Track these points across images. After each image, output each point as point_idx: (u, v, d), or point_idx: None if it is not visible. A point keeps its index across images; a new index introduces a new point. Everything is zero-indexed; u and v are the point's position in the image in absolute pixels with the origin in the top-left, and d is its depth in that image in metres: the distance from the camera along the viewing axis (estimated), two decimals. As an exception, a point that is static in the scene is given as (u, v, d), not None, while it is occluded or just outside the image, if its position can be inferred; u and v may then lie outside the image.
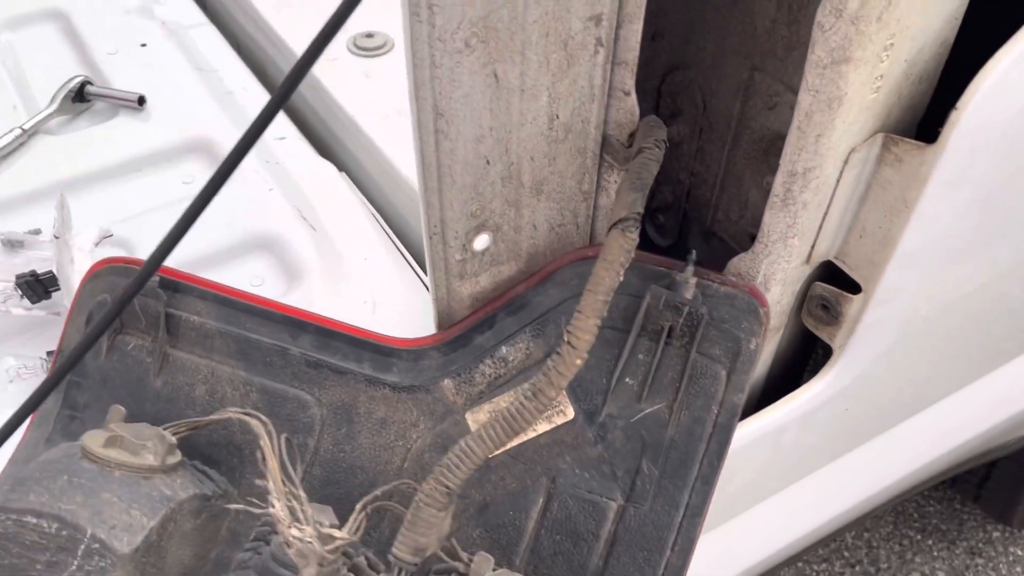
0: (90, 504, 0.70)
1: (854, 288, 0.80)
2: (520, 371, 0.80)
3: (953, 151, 0.68)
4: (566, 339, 0.68)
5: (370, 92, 1.27)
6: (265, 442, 0.72)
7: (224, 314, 0.83)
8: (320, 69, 1.27)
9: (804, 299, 0.84)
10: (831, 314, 0.82)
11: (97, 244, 0.96)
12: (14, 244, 1.02)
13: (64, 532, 0.69)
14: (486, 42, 0.63)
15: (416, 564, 0.69)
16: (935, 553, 2.38)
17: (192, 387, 0.83)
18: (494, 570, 0.74)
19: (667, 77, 0.90)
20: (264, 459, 0.71)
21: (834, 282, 0.83)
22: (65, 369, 0.69)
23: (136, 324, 0.83)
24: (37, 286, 0.94)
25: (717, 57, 0.86)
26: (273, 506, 0.68)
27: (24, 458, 0.83)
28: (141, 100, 1.23)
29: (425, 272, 1.09)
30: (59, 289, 0.95)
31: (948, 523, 2.43)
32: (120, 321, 0.83)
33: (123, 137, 1.21)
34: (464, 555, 0.75)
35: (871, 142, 0.70)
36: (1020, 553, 2.37)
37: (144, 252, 1.03)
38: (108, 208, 1.10)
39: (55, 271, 0.95)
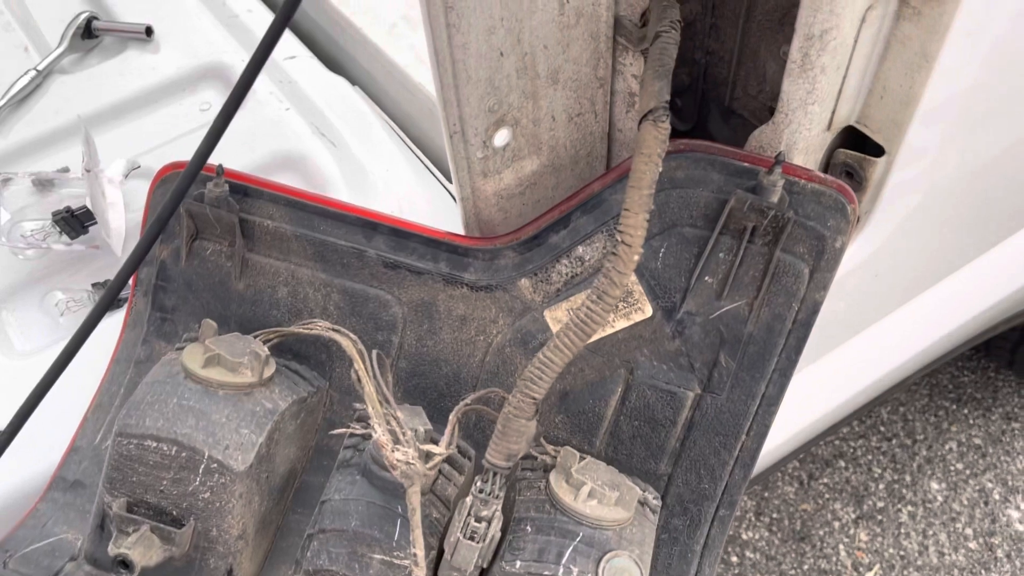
0: (202, 427, 0.76)
1: (877, 152, 0.80)
2: (596, 269, 0.80)
3: (972, -1, 0.66)
4: (619, 238, 0.69)
5: (373, 4, 1.25)
6: (358, 364, 0.75)
7: (297, 217, 0.84)
8: (323, -17, 1.26)
9: (827, 168, 0.84)
10: (855, 180, 0.82)
11: (126, 175, 0.98)
12: (44, 183, 1.04)
13: (183, 454, 0.75)
14: (490, -72, 0.62)
15: (509, 468, 0.73)
16: (971, 421, 2.42)
17: (274, 289, 0.86)
18: (580, 460, 0.78)
19: (675, -47, 0.89)
20: (360, 381, 0.74)
21: (856, 148, 0.82)
22: (136, 260, 0.71)
23: (211, 231, 0.85)
24: (74, 221, 0.97)
25: (725, -74, 0.84)
26: (375, 432, 0.72)
27: (125, 357, 0.89)
28: (149, 31, 1.23)
29: (447, 178, 1.11)
30: (95, 223, 0.98)
31: (983, 391, 2.45)
32: (195, 228, 0.85)
33: (135, 70, 1.21)
34: (551, 448, 0.79)
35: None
36: (1057, 415, 2.40)
37: (171, 181, 1.04)
38: (131, 141, 1.12)
39: (89, 205, 0.97)
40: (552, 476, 0.77)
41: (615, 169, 0.80)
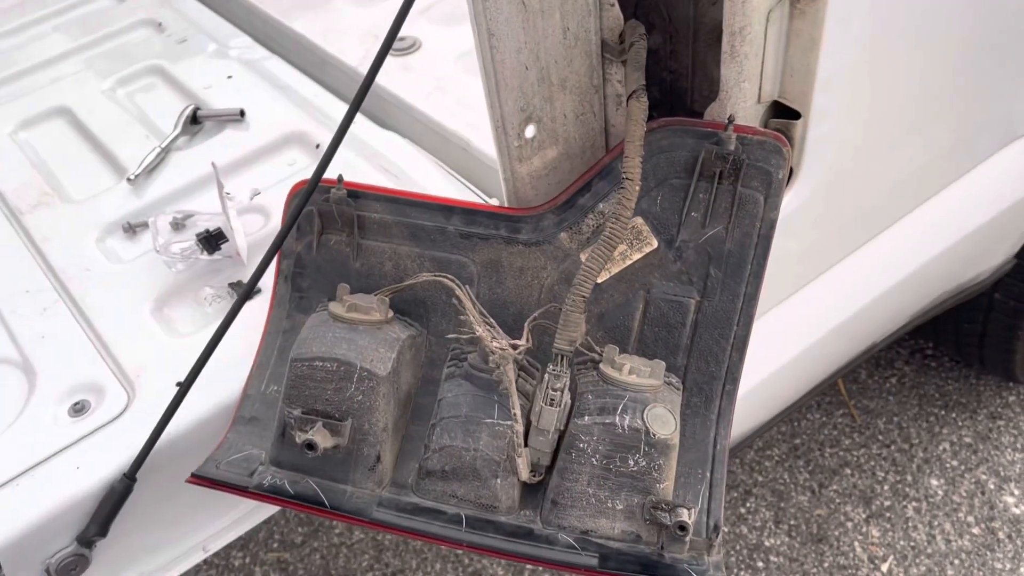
0: (352, 349, 1.03)
1: (796, 117, 1.12)
2: None
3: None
4: (624, 176, 1.00)
5: (410, 80, 1.61)
6: (459, 292, 1.04)
7: (395, 209, 1.12)
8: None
9: (765, 133, 1.16)
10: (786, 139, 1.14)
11: (251, 199, 1.30)
12: (179, 222, 1.36)
13: (342, 368, 1.02)
14: (517, -20, 0.97)
15: (571, 351, 1.00)
16: (960, 423, 2.66)
17: (382, 264, 1.14)
18: (619, 354, 1.05)
19: (640, 1, 1.24)
20: (462, 302, 1.03)
21: (784, 117, 1.15)
22: (278, 243, 1.02)
23: (334, 225, 1.13)
24: (211, 240, 1.28)
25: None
26: (477, 331, 1.00)
27: (274, 329, 1.16)
28: (242, 113, 1.59)
29: (476, 187, 1.43)
30: (227, 240, 1.29)
31: (967, 396, 2.70)
32: (322, 224, 1.13)
33: (234, 142, 1.56)
34: (597, 348, 1.06)
35: (782, 2, 1.03)
36: (1038, 410, 2.64)
37: (278, 211, 1.37)
38: (239, 190, 1.45)
39: (222, 227, 1.29)
40: (602, 365, 1.04)
41: (618, 146, 1.12)
